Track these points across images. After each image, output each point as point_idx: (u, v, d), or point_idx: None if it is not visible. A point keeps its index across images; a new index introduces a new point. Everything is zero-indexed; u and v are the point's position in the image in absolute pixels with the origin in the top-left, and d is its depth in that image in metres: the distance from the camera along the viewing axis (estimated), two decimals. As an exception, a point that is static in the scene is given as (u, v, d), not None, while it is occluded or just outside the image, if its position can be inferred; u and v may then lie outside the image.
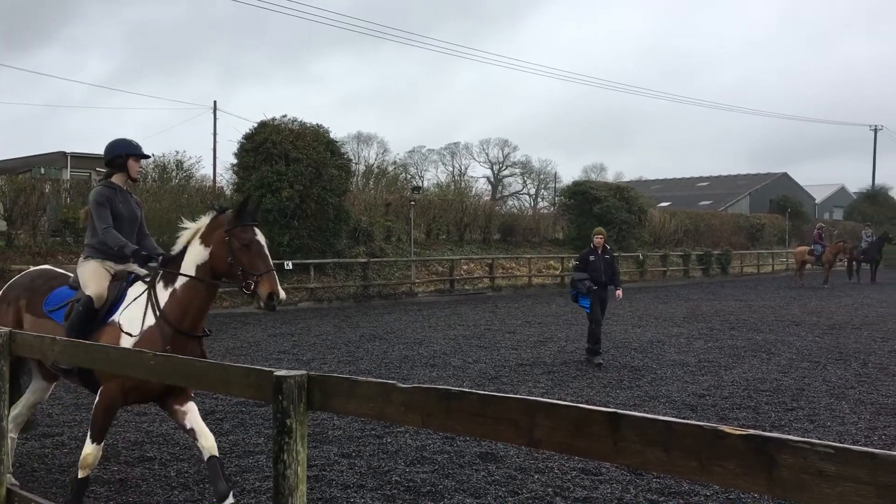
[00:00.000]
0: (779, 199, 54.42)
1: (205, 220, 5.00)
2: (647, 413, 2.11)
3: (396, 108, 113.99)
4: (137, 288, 5.02)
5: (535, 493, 5.43)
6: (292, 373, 2.47)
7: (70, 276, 5.32)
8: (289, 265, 20.01)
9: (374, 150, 70.67)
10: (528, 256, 28.92)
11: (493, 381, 9.81)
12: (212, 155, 46.18)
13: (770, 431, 6.13)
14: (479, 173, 77.20)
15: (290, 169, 20.34)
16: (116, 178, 5.38)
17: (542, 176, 76.11)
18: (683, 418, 7.65)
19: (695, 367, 10.74)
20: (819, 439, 6.49)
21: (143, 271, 5.10)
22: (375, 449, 6.53)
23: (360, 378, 2.37)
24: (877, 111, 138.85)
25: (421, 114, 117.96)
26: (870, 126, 65.60)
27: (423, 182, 65.14)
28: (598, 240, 11.56)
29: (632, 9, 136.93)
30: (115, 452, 6.38)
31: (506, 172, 78.22)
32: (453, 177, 74.24)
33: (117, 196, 5.27)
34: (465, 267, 26.94)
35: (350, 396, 2.39)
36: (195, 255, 4.89)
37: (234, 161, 22.22)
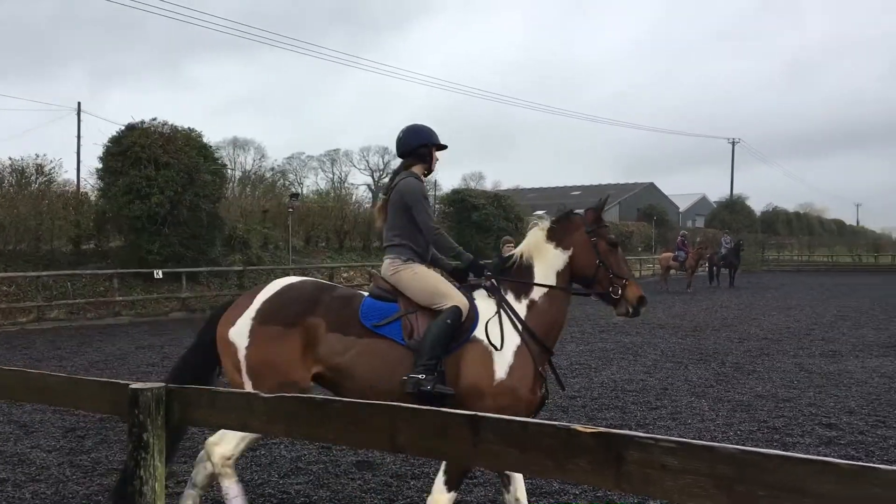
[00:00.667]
0: (646, 207, 57.12)
1: (545, 224, 4.51)
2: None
3: (276, 115, 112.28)
4: (484, 299, 4.38)
5: (410, 499, 5.44)
6: (149, 385, 2.37)
7: (339, 288, 4.56)
8: (159, 274, 19.26)
9: (252, 155, 69.18)
10: (408, 264, 29.00)
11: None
12: (75, 159, 43.78)
13: (635, 430, 6.39)
14: (359, 180, 76.97)
15: (161, 174, 19.57)
16: (416, 170, 4.75)
17: (422, 184, 76.50)
18: (554, 419, 7.89)
19: (567, 370, 11.07)
20: (679, 436, 6.82)
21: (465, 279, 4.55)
22: (248, 462, 6.37)
23: (221, 389, 2.31)
24: (735, 125, 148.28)
25: (301, 121, 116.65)
26: (728, 139, 69.88)
27: (302, 189, 64.26)
28: (507, 248, 11.53)
29: (512, 21, 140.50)
30: (-38, 477, 5.93)
31: (386, 180, 78.27)
32: (333, 184, 73.68)
33: None
34: (345, 274, 26.73)
35: (211, 408, 2.32)
36: (552, 262, 4.38)
37: (100, 166, 21.17)
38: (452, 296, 4.23)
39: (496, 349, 4.13)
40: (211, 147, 22.92)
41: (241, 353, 4.21)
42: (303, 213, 28.33)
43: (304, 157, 78.00)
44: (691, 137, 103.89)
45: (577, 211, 4.68)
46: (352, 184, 74.09)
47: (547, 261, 4.38)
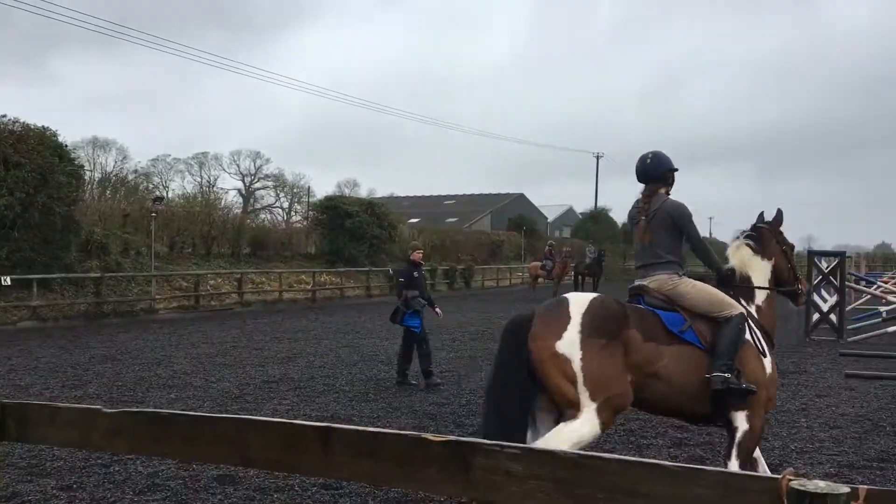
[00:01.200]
0: (516, 217, 58.53)
1: (745, 241, 5.29)
2: (376, 427, 2.17)
3: (141, 115, 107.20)
4: None
5: (273, 512, 5.33)
6: (-20, 402, 2.21)
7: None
8: (7, 280, 17.99)
9: (113, 156, 65.72)
10: (279, 271, 28.43)
11: (236, 400, 9.50)
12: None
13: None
14: (229, 185, 74.67)
15: (10, 174, 18.30)
16: (662, 192, 5.28)
17: (295, 190, 75.35)
18: (423, 427, 7.92)
19: (438, 377, 11.16)
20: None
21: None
22: (101, 479, 6.04)
23: (61, 404, 2.18)
24: (601, 140, 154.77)
25: (168, 122, 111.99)
26: (593, 153, 72.80)
27: (167, 192, 61.73)
28: (417, 255, 11.47)
29: (391, 30, 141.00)
30: None
31: (258, 185, 76.44)
32: (201, 188, 71.15)
33: None
34: (211, 282, 25.88)
35: (51, 424, 2.19)
36: (762, 271, 5.23)
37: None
38: (735, 304, 4.87)
39: (760, 347, 4.87)
40: (67, 147, 21.67)
41: (577, 365, 4.36)
42: (167, 218, 27.23)
43: (171, 160, 74.92)
44: (560, 150, 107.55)
45: (762, 223, 5.43)
46: (221, 188, 71.84)
47: (759, 270, 5.22)
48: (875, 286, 22.50)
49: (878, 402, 9.51)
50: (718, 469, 1.45)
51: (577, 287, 33.65)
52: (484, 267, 41.61)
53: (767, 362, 4.88)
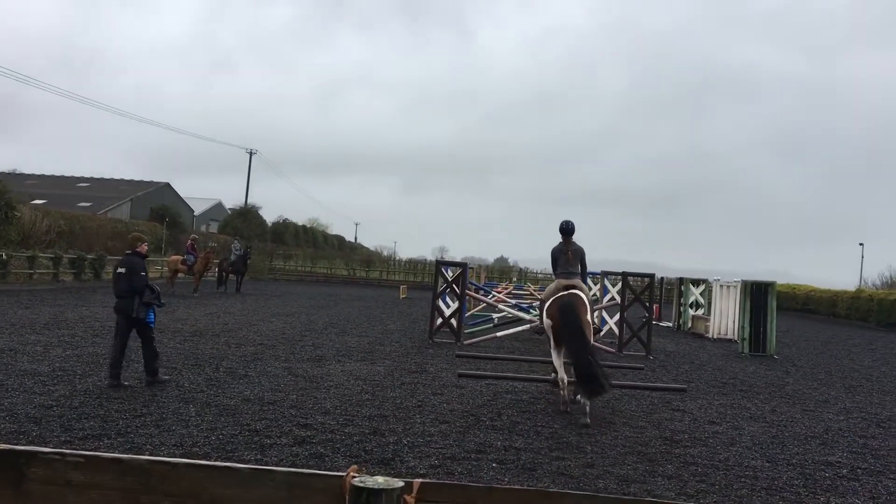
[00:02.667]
0: (159, 207, 55.44)
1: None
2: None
3: None
4: None
5: None
6: None
7: None
8: None
9: None
10: None
11: None
12: None
13: (114, 439, 6.03)
14: None
15: None
16: None
17: None
18: (23, 432, 7.08)
19: (47, 377, 10.08)
20: (153, 445, 6.62)
21: None
22: None
23: None
24: (257, 137, 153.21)
25: None
26: (246, 149, 71.78)
27: None
28: (144, 247, 10.82)
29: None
30: None
31: None
32: None
33: None
34: None
35: None
36: None
37: None
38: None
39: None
40: None
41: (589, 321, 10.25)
42: None
43: None
44: (213, 143, 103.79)
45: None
46: None
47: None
48: (491, 295, 25.26)
49: (482, 398, 10.64)
50: (286, 469, 1.47)
51: (220, 284, 32.79)
52: (118, 258, 38.69)
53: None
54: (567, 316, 9.77)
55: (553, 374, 11.02)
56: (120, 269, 10.48)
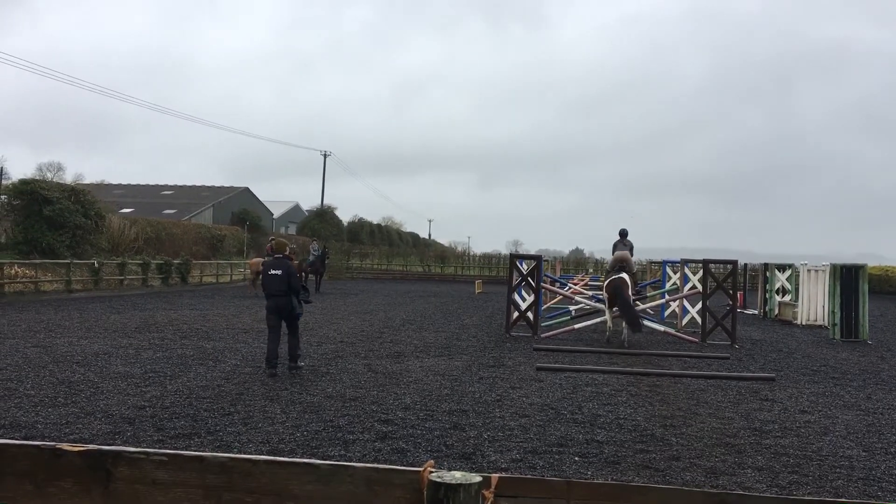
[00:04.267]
0: (240, 212, 56.94)
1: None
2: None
3: None
4: None
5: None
6: None
7: None
8: None
9: None
10: (-42, 261, 24.95)
11: None
12: None
13: (204, 438, 6.20)
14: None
15: None
16: None
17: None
18: (119, 432, 7.36)
19: (140, 379, 10.47)
20: (247, 441, 6.82)
21: None
22: None
23: None
24: (330, 139, 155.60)
25: None
26: (321, 151, 73.01)
27: None
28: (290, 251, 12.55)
29: (129, 10, 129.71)
30: None
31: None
32: None
33: None
34: None
35: None
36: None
37: None
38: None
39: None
40: None
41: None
42: None
43: None
44: (289, 147, 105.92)
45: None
46: None
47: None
48: (567, 287, 25.01)
49: (562, 391, 10.54)
50: (365, 465, 1.47)
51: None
52: (203, 262, 39.90)
53: None
54: (616, 290, 15.95)
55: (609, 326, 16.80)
56: (274, 271, 11.36)
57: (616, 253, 18.51)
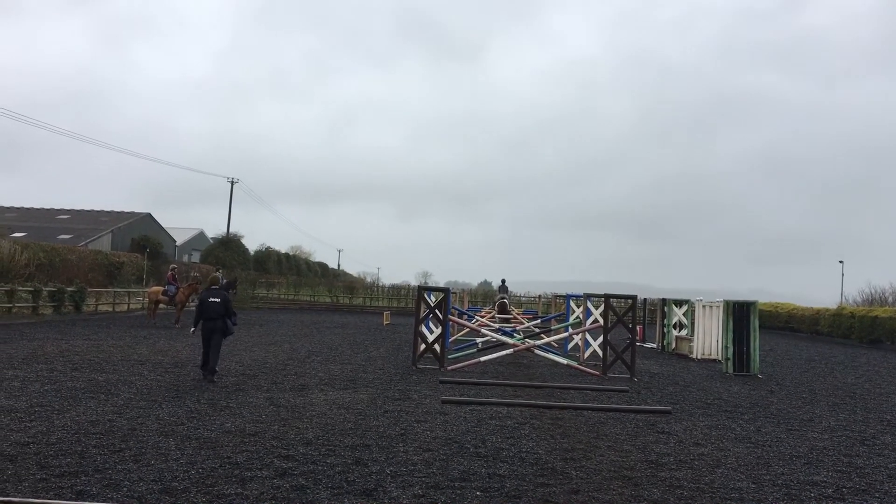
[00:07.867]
0: (140, 238, 55.03)
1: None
2: None
3: None
4: None
5: None
6: None
7: None
8: None
9: None
10: None
11: None
12: None
13: (91, 475, 5.92)
14: None
15: None
16: None
17: None
18: (0, 471, 6.92)
19: (24, 413, 9.90)
20: (137, 480, 6.51)
21: None
22: None
23: None
24: (238, 166, 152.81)
25: None
26: (227, 178, 71.49)
27: None
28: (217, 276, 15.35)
29: (63, 32, 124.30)
30: None
31: None
32: None
33: None
34: None
35: None
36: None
37: None
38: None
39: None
40: None
41: None
42: None
43: None
44: (195, 173, 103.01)
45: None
46: None
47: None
48: (474, 320, 25.18)
49: (466, 424, 10.55)
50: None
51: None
52: (99, 290, 38.28)
53: None
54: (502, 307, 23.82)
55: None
56: (214, 299, 13.80)
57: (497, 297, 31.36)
